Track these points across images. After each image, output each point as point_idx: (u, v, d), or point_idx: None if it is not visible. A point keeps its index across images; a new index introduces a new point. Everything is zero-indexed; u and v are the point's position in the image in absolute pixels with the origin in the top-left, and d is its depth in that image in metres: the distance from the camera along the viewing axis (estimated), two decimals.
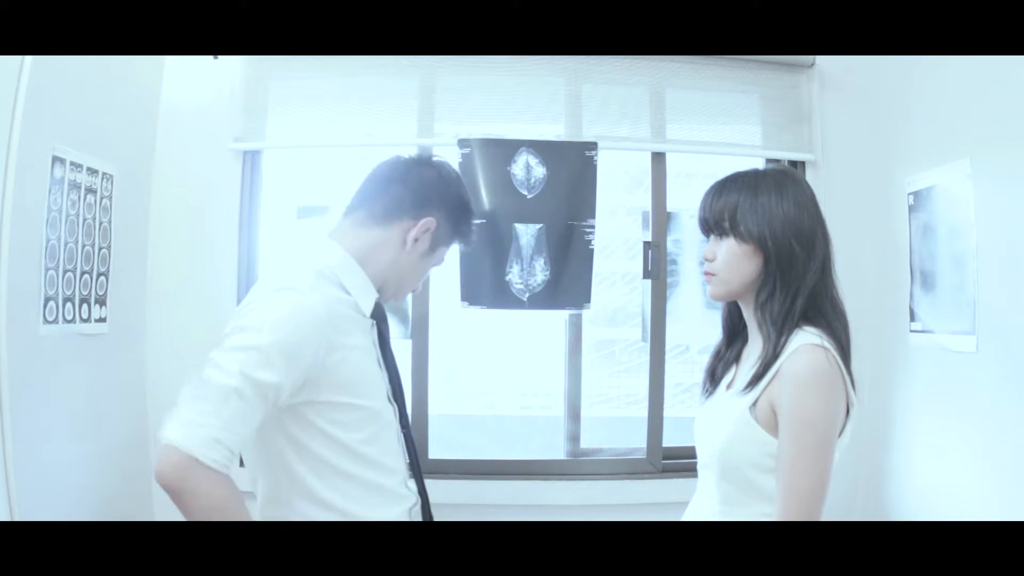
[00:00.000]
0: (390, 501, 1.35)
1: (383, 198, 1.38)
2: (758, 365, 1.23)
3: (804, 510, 1.16)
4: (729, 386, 1.34)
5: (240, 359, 1.17)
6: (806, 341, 1.20)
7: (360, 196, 1.41)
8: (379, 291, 1.38)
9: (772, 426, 1.20)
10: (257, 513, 1.33)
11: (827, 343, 1.20)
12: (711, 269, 1.30)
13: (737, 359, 1.37)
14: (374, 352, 1.37)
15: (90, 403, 2.05)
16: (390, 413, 1.38)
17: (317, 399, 1.25)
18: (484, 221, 2.36)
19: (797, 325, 1.23)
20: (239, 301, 2.38)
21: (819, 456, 1.17)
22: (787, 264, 1.24)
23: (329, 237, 1.39)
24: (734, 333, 1.39)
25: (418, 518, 1.43)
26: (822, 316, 1.24)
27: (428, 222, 1.37)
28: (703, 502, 1.33)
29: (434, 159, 1.49)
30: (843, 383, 1.20)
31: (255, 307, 1.26)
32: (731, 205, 1.27)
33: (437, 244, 1.42)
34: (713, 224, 1.30)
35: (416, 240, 1.37)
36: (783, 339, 1.22)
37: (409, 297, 2.40)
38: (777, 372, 1.21)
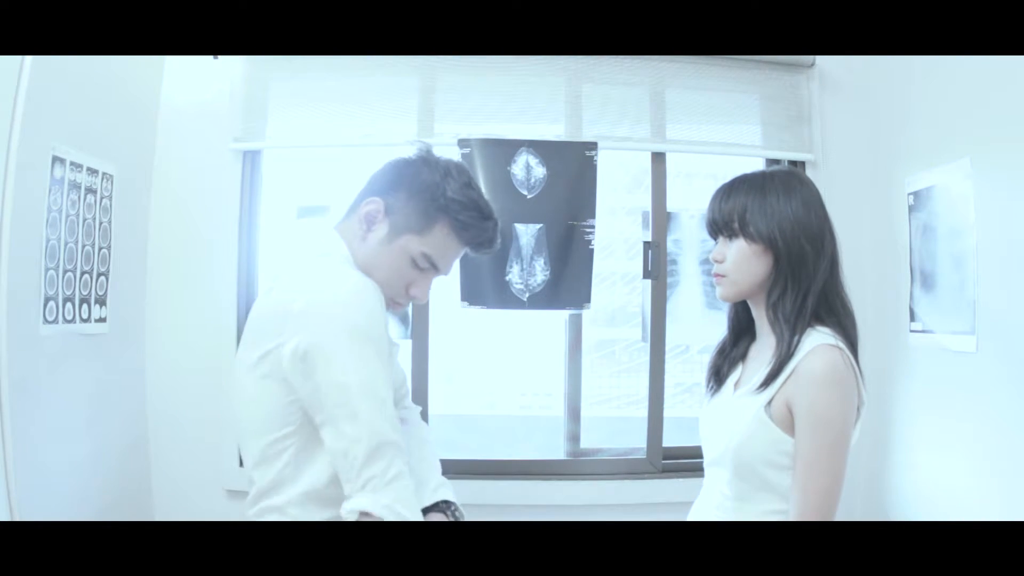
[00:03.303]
0: None
1: (358, 196, 1.34)
2: (772, 364, 1.24)
3: (820, 508, 1.18)
4: (737, 384, 1.34)
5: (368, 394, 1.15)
6: (821, 341, 1.22)
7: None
8: None
9: (787, 425, 1.22)
10: (254, 509, 1.29)
11: (841, 343, 1.22)
12: (721, 271, 1.32)
13: (743, 357, 1.38)
14: None
15: (90, 403, 2.05)
16: None
17: None
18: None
19: (809, 324, 1.24)
20: (239, 301, 2.40)
21: (835, 455, 1.19)
22: (798, 263, 1.26)
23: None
24: (740, 331, 1.40)
25: None
26: (833, 314, 1.27)
27: (372, 201, 1.28)
28: (712, 499, 1.33)
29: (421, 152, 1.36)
30: (856, 382, 1.22)
31: (327, 311, 1.18)
32: (740, 206, 1.29)
33: (399, 231, 1.27)
34: (722, 225, 1.31)
35: (370, 227, 1.27)
36: (796, 338, 1.24)
37: None
38: (793, 372, 1.22)
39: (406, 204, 1.28)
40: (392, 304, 1.32)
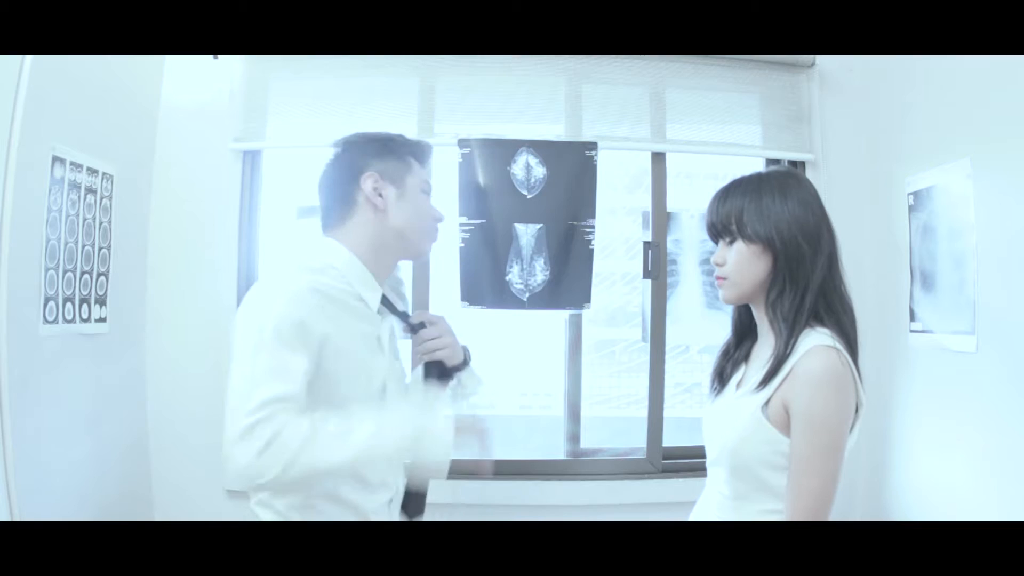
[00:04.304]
0: (371, 488, 1.38)
1: (332, 206, 1.44)
2: (770, 363, 1.25)
3: (813, 509, 1.18)
4: (739, 385, 1.35)
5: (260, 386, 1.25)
6: (818, 342, 1.22)
7: (322, 215, 1.47)
8: (412, 257, 1.52)
9: (784, 425, 1.22)
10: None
11: (838, 344, 1.22)
12: (722, 274, 1.32)
13: (746, 358, 1.38)
14: (384, 343, 1.43)
15: (90, 403, 2.05)
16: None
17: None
18: (484, 221, 2.37)
19: (808, 324, 1.24)
20: (239, 302, 2.39)
21: (830, 456, 1.19)
22: (796, 262, 1.26)
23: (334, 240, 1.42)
24: (743, 333, 1.40)
25: (396, 511, 1.45)
26: (832, 313, 1.27)
27: (368, 176, 1.41)
28: (712, 499, 1.34)
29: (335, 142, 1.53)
30: (854, 383, 1.22)
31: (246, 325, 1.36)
32: (736, 209, 1.29)
33: (400, 180, 1.43)
34: (721, 229, 1.32)
35: (379, 196, 1.40)
36: (795, 336, 1.24)
37: (409, 296, 2.41)
38: (790, 373, 1.22)
39: (384, 162, 1.43)
40: (431, 240, 1.50)
